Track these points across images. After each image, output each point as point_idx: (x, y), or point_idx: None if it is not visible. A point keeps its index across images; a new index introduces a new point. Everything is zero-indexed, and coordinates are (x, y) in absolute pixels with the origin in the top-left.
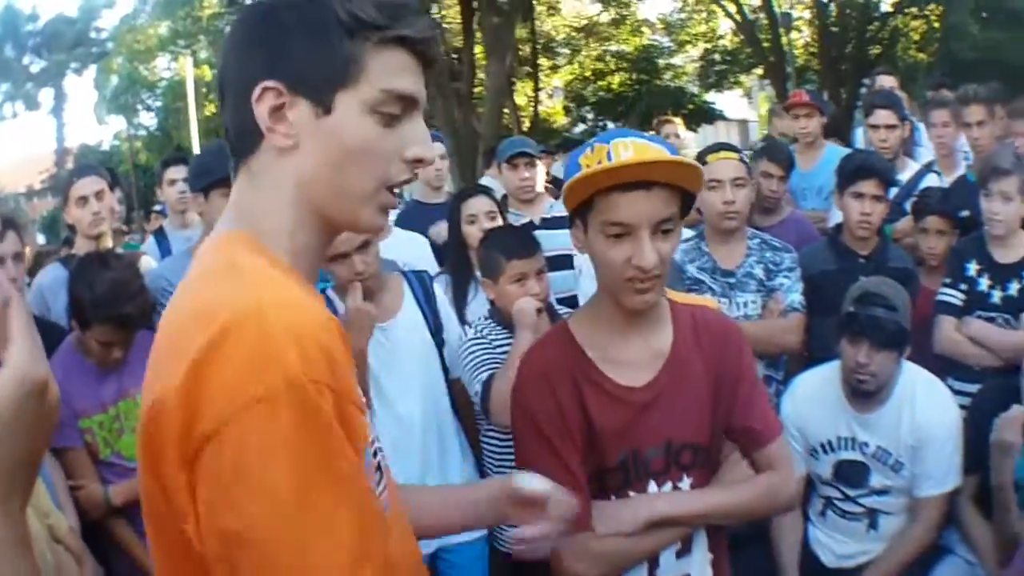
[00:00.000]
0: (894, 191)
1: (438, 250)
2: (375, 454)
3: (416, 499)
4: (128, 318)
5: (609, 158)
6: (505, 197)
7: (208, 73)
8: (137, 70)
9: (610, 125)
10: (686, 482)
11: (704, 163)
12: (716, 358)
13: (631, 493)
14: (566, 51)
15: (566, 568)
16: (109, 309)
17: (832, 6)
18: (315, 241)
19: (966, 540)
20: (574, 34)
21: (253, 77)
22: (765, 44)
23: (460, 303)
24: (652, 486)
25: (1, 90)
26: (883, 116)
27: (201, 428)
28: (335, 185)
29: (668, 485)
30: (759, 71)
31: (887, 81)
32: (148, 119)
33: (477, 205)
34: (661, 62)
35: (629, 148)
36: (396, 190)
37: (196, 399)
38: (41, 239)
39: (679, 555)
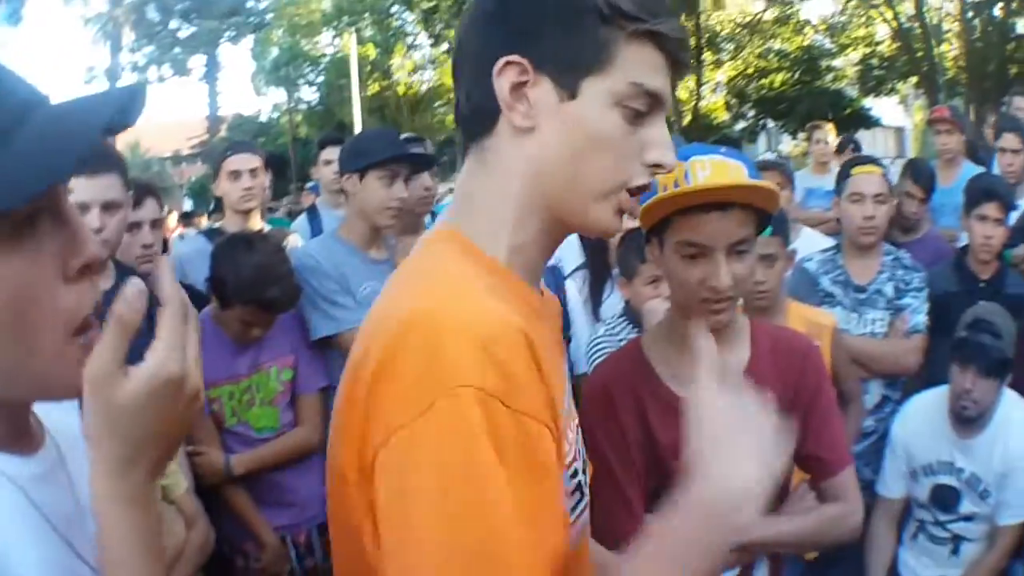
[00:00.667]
0: (1015, 215)
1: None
2: (574, 475)
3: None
4: (272, 302)
5: (687, 177)
6: None
7: (373, 52)
8: (299, 43)
9: (770, 123)
10: None
11: (849, 175)
12: (793, 380)
13: None
14: (730, 47)
15: None
16: (253, 292)
17: (977, 22)
18: (540, 238)
19: None
20: (738, 30)
21: (497, 51)
22: (919, 54)
23: (596, 299)
24: None
25: (144, 53)
26: (1009, 140)
27: (375, 438)
28: (570, 176)
29: None
30: (914, 80)
31: (1021, 102)
32: (309, 93)
33: None
34: (822, 63)
35: (707, 167)
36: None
37: (371, 414)
38: (189, 205)
39: None
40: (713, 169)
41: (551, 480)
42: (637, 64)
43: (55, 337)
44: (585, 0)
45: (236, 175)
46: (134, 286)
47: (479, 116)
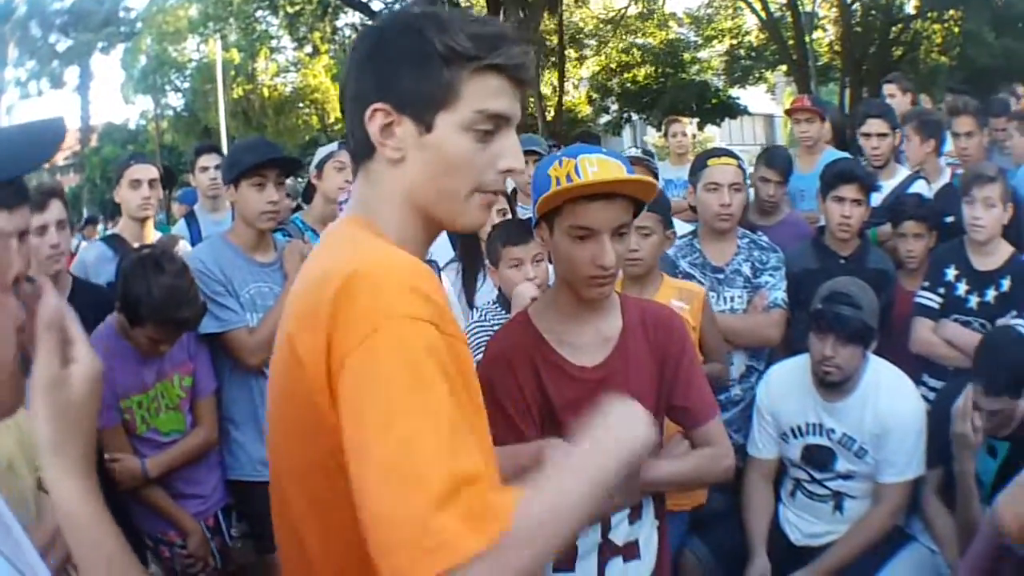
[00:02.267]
0: (880, 196)
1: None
2: None
3: None
4: (184, 321)
5: (577, 172)
6: (515, 191)
7: (237, 56)
8: (166, 51)
9: (634, 117)
10: None
11: (705, 167)
12: (660, 345)
13: None
14: (593, 43)
15: None
16: (167, 313)
17: (857, 6)
18: (421, 233)
19: (929, 529)
20: (601, 26)
21: (366, 97)
22: (790, 42)
23: (470, 290)
24: None
25: (27, 68)
26: (875, 125)
27: (336, 360)
28: (436, 191)
29: None
30: (784, 68)
31: (890, 90)
32: (175, 100)
33: None
34: (687, 56)
35: (595, 164)
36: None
37: (334, 339)
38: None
39: (631, 520)
40: (600, 166)
41: (479, 393)
42: (480, 93)
43: (4, 343)
44: (428, 49)
45: (137, 184)
46: (49, 294)
47: (361, 146)
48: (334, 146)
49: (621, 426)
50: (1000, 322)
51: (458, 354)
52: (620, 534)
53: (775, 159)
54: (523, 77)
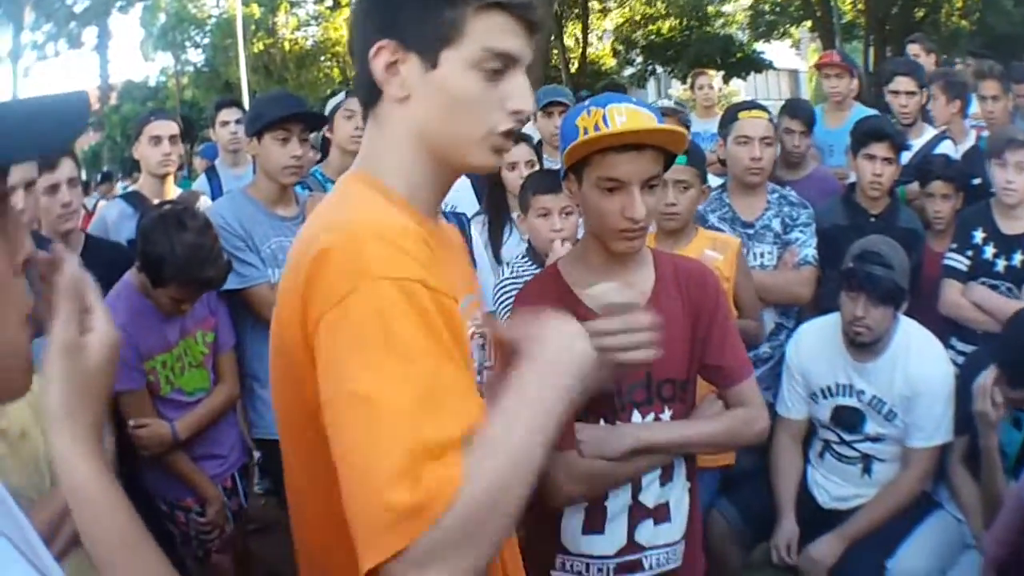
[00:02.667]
0: (908, 155)
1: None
2: (472, 337)
3: None
4: (209, 281)
5: (605, 121)
6: (540, 143)
7: (257, 11)
8: (186, 7)
9: (659, 69)
10: (667, 413)
11: (735, 119)
12: (694, 301)
13: (617, 422)
14: None
15: (553, 485)
16: (190, 272)
17: None
18: (432, 177)
19: (955, 498)
20: None
21: (372, 36)
22: None
23: (496, 242)
24: (636, 416)
25: (44, 30)
26: (903, 83)
27: (312, 320)
28: (445, 131)
29: (651, 416)
30: (808, 24)
31: (914, 50)
32: (196, 56)
33: (517, 153)
34: (711, 9)
35: (623, 114)
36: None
37: (309, 300)
38: (83, 174)
39: (662, 482)
40: (629, 115)
41: (466, 346)
42: (487, 32)
43: (18, 328)
44: None
45: (157, 140)
46: (69, 263)
47: (368, 90)
48: (342, 95)
49: (558, 350)
50: None
51: (447, 310)
52: (651, 496)
53: (798, 110)
54: (529, 17)
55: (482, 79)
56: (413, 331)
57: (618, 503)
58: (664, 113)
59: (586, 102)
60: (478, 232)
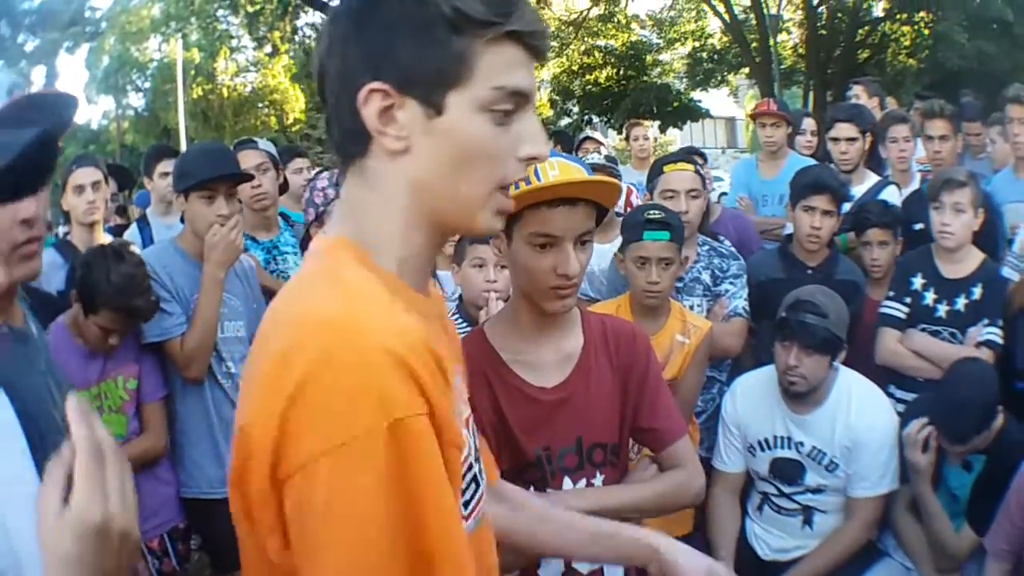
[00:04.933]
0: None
1: None
2: (470, 468)
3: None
4: (138, 310)
5: (536, 175)
6: None
7: (197, 56)
8: (128, 51)
9: (595, 119)
10: (599, 479)
11: (661, 173)
12: (624, 362)
13: (548, 490)
14: (554, 44)
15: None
16: (123, 299)
17: (823, 9)
18: (427, 246)
19: (903, 546)
20: (563, 28)
21: (358, 77)
22: (753, 45)
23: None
24: (567, 482)
25: None
26: (843, 129)
27: (295, 454)
28: (451, 189)
29: (583, 482)
30: (746, 71)
31: (857, 91)
32: (137, 100)
33: None
34: (649, 58)
35: (555, 168)
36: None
37: (289, 423)
38: None
39: None
40: (561, 169)
41: (452, 486)
42: (497, 67)
43: None
44: (433, 14)
45: (80, 189)
46: (80, 427)
47: (352, 139)
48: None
49: None
50: (971, 331)
51: (444, 442)
52: (585, 564)
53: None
54: (542, 47)
55: (493, 123)
56: (431, 482)
57: (551, 571)
58: (594, 169)
59: None
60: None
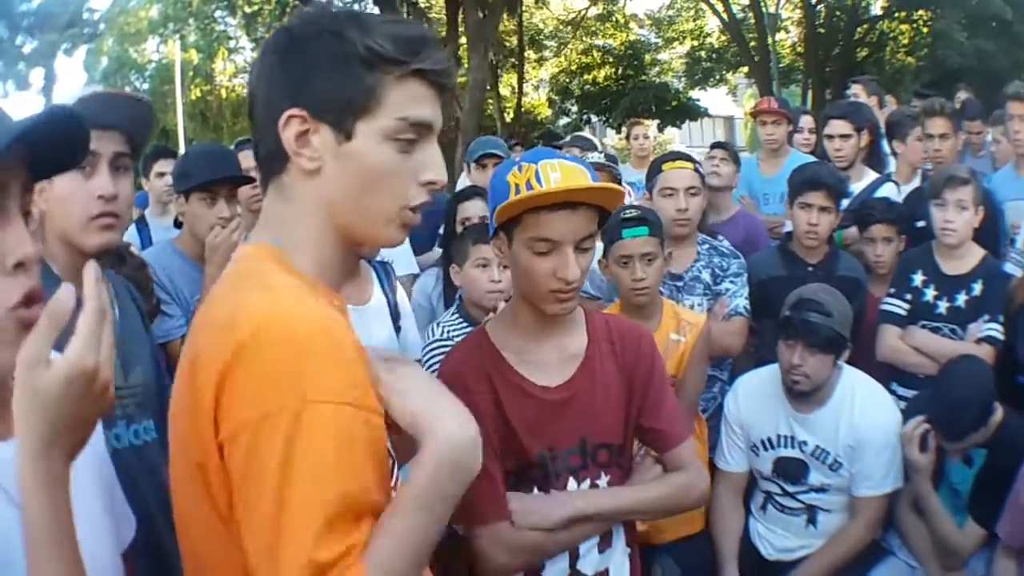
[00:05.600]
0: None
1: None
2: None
3: None
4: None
5: (537, 178)
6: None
7: (196, 57)
8: (127, 52)
9: (594, 119)
10: (603, 479)
11: (660, 171)
12: (628, 362)
13: (552, 490)
14: (553, 44)
15: (486, 558)
16: None
17: (821, 8)
18: (340, 255)
19: (907, 545)
20: (561, 27)
21: (280, 103)
22: (752, 44)
23: (449, 296)
24: (572, 483)
25: None
26: (837, 126)
27: (226, 427)
28: (358, 206)
29: (587, 482)
30: (745, 70)
31: (855, 90)
32: None
33: (472, 208)
34: (647, 58)
35: (557, 170)
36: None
37: (228, 399)
38: None
39: (600, 549)
40: (563, 172)
41: (386, 464)
42: (403, 100)
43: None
44: (348, 51)
45: None
46: (66, 289)
47: (273, 157)
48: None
49: (439, 430)
50: (971, 327)
51: (372, 427)
52: (590, 564)
53: (721, 144)
54: (447, 83)
55: (396, 150)
56: (333, 458)
57: (556, 571)
58: (596, 168)
59: (517, 157)
60: (430, 287)
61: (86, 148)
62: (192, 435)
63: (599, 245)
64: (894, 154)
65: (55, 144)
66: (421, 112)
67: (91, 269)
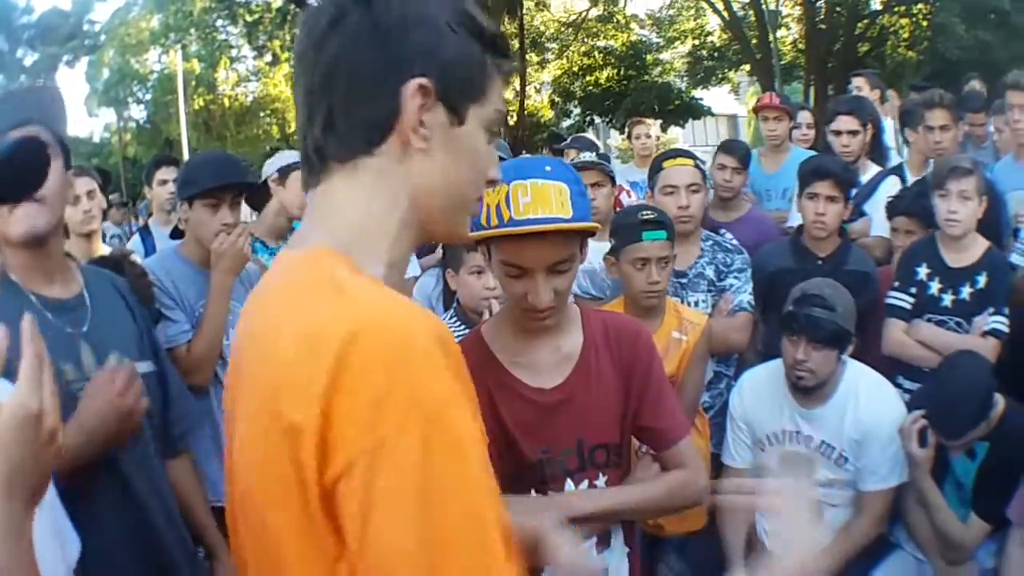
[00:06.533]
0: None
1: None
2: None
3: None
4: None
5: (508, 201)
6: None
7: (197, 67)
8: (128, 63)
9: (597, 120)
10: (601, 480)
11: (661, 169)
12: (625, 361)
13: (550, 492)
14: (554, 46)
15: None
16: None
17: (821, 4)
18: (408, 251)
19: (913, 538)
20: (562, 29)
21: (397, 71)
22: (753, 41)
23: (448, 298)
24: (569, 484)
25: None
26: (845, 122)
27: (338, 461)
28: (451, 194)
29: (585, 483)
30: (747, 68)
31: (858, 83)
32: (138, 112)
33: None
34: (649, 58)
35: (527, 194)
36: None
37: (329, 432)
38: None
39: (599, 550)
40: (534, 196)
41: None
42: (499, 92)
43: None
44: (475, 27)
45: (76, 200)
46: (25, 340)
47: (361, 135)
48: (290, 155)
49: None
50: (976, 320)
51: (476, 439)
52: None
53: (733, 147)
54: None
55: (487, 142)
56: (470, 473)
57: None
58: (583, 168)
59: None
60: (428, 288)
61: (44, 176)
62: (279, 484)
63: (603, 245)
64: (907, 143)
65: (15, 174)
66: (504, 105)
67: (27, 318)
